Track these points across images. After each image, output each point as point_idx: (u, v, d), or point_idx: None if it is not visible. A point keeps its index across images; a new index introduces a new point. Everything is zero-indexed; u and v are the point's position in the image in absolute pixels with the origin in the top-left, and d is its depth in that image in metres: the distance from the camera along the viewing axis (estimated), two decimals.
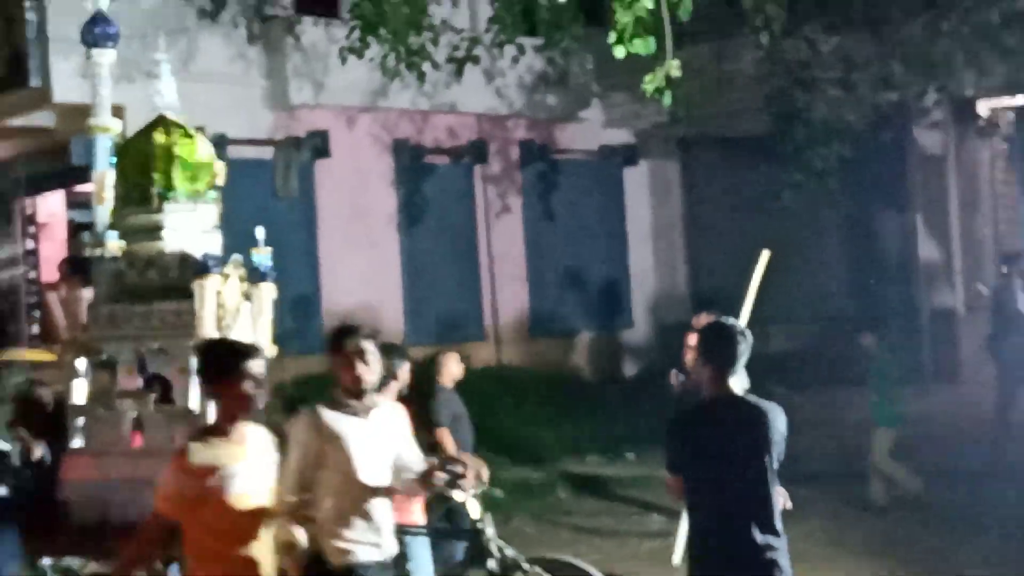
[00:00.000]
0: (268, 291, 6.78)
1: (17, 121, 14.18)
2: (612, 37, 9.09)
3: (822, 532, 9.97)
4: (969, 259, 16.80)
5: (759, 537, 5.01)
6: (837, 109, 14.32)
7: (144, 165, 6.57)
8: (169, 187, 6.54)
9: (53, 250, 15.63)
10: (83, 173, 8.97)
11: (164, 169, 6.55)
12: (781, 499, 5.23)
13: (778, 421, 5.17)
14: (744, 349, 5.28)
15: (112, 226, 6.68)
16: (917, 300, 16.65)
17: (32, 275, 15.71)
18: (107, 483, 6.38)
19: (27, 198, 15.71)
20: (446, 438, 8.50)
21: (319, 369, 14.74)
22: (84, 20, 7.20)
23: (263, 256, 6.73)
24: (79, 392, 6.57)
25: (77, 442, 6.54)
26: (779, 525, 5.10)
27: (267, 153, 15.09)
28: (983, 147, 17.12)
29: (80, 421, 6.53)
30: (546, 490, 12.57)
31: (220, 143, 11.88)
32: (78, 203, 15.81)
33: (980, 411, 12.92)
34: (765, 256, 6.81)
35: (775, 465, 5.13)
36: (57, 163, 13.24)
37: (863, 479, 11.04)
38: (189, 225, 6.63)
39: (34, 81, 13.83)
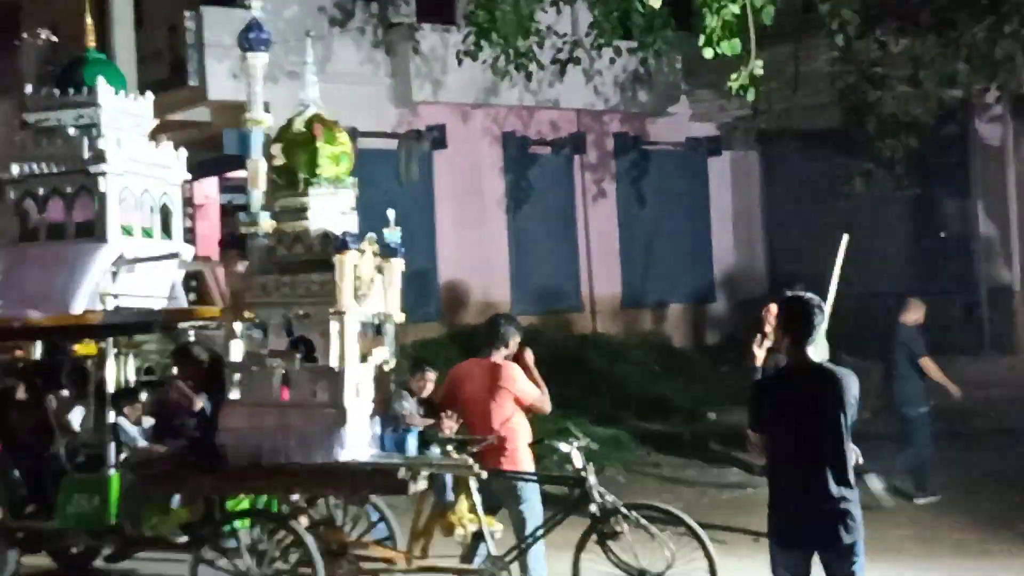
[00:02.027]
0: (398, 265, 6.85)
1: (177, 116, 14.48)
2: (701, 39, 8.96)
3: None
4: None
5: (834, 489, 4.90)
6: (905, 104, 13.97)
7: (293, 154, 6.66)
8: (313, 173, 6.62)
9: (208, 229, 15.95)
10: (234, 161, 9.18)
11: (309, 158, 6.63)
12: (854, 455, 5.13)
13: (852, 385, 5.07)
14: (820, 321, 5.17)
15: (264, 207, 6.79)
16: (977, 277, 16.24)
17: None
18: (259, 431, 6.51)
19: (185, 184, 16.01)
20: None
21: (436, 334, 14.93)
22: (235, 29, 7.33)
23: (394, 234, 6.80)
24: (236, 351, 6.69)
25: (234, 395, 6.67)
26: (852, 479, 5.01)
27: (392, 144, 15.19)
28: None
29: (236, 376, 6.65)
30: (636, 445, 12.51)
31: (351, 135, 11.94)
32: (230, 187, 16.13)
33: None
34: (845, 240, 6.66)
35: (849, 424, 5.03)
36: (211, 152, 13.50)
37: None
38: (330, 207, 6.71)
39: (192, 81, 14.12)
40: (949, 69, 13.72)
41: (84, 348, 8.22)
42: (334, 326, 6.39)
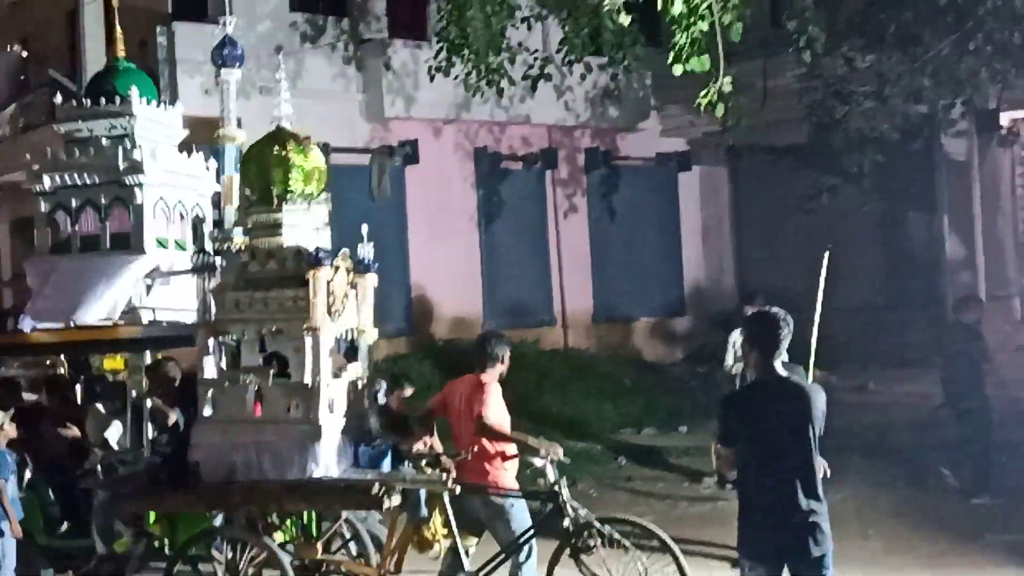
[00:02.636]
0: (371, 281, 6.86)
1: None
2: (670, 56, 9.02)
3: (853, 499, 9.83)
4: (990, 255, 16.50)
5: (804, 502, 4.96)
6: (871, 119, 14.09)
7: (266, 170, 6.67)
8: (287, 189, 6.63)
9: None
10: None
11: (282, 174, 6.64)
12: (822, 468, 5.18)
13: (819, 399, 5.12)
14: (787, 335, 5.22)
15: (238, 223, 6.79)
16: (943, 291, 16.39)
17: None
18: (232, 447, 6.49)
19: None
20: None
21: (408, 349, 14.91)
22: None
23: (367, 250, 6.81)
24: (209, 367, 6.67)
25: (207, 411, 6.64)
26: (821, 492, 5.05)
27: (364, 160, 15.18)
28: (1004, 154, 16.78)
29: (209, 393, 6.63)
30: (608, 458, 12.54)
31: (324, 151, 11.96)
32: None
33: (1003, 392, 12.68)
34: (827, 255, 6.69)
35: (817, 438, 5.08)
36: None
37: (890, 453, 10.88)
38: (304, 223, 6.72)
39: (163, 97, 14.03)
40: (915, 85, 13.87)
41: (111, 363, 8.15)
42: (308, 342, 6.40)
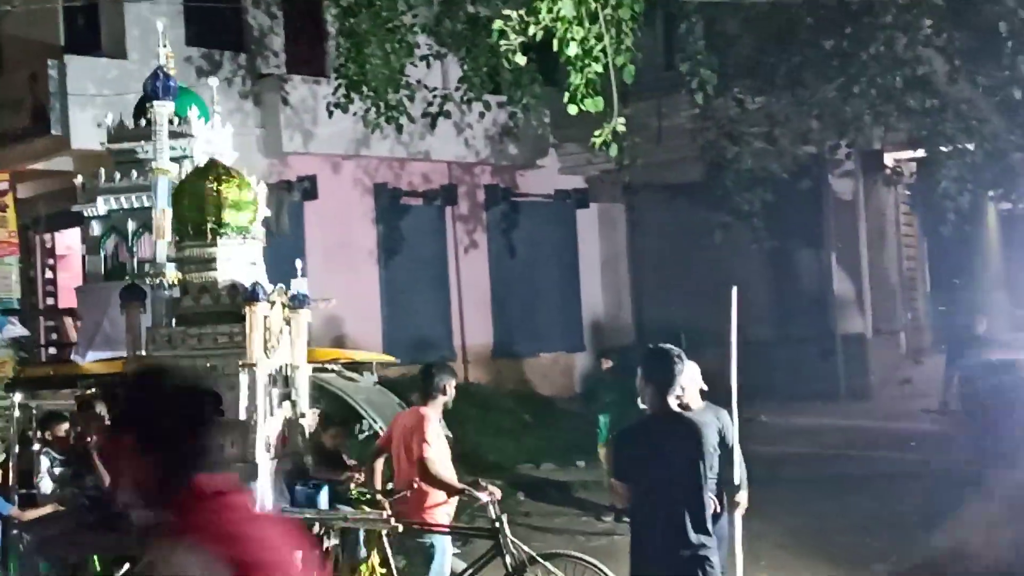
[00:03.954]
0: (306, 316, 6.76)
1: (39, 165, 14.09)
2: (566, 96, 9.15)
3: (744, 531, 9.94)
4: (877, 291, 16.98)
5: (693, 536, 5.03)
6: (761, 160, 14.46)
7: (199, 204, 6.53)
8: (220, 223, 6.50)
9: (70, 280, 15.46)
10: None
11: (216, 207, 6.51)
12: (712, 503, 5.26)
13: (711, 434, 5.22)
14: (680, 370, 5.31)
15: (170, 258, 6.64)
16: (831, 326, 16.80)
17: (51, 301, 15.55)
18: None
19: (47, 233, 15.57)
20: None
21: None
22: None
23: (302, 284, 6.72)
24: None
25: None
26: (710, 526, 5.13)
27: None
28: (889, 193, 17.35)
29: None
30: (506, 493, 12.50)
31: None
32: None
33: (887, 425, 13.05)
34: (735, 292, 6.76)
35: (708, 472, 5.16)
36: (74, 203, 13.15)
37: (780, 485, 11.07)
38: (238, 257, 6.59)
39: (55, 130, 13.75)
40: (802, 126, 14.30)
41: None
42: (244, 379, 6.27)
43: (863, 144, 15.34)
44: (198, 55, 14.75)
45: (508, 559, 6.55)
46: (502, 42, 9.52)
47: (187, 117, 7.64)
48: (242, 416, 6.29)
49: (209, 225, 6.50)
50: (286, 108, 15.09)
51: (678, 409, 5.32)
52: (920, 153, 15.04)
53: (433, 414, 6.80)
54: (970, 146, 13.35)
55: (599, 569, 6.56)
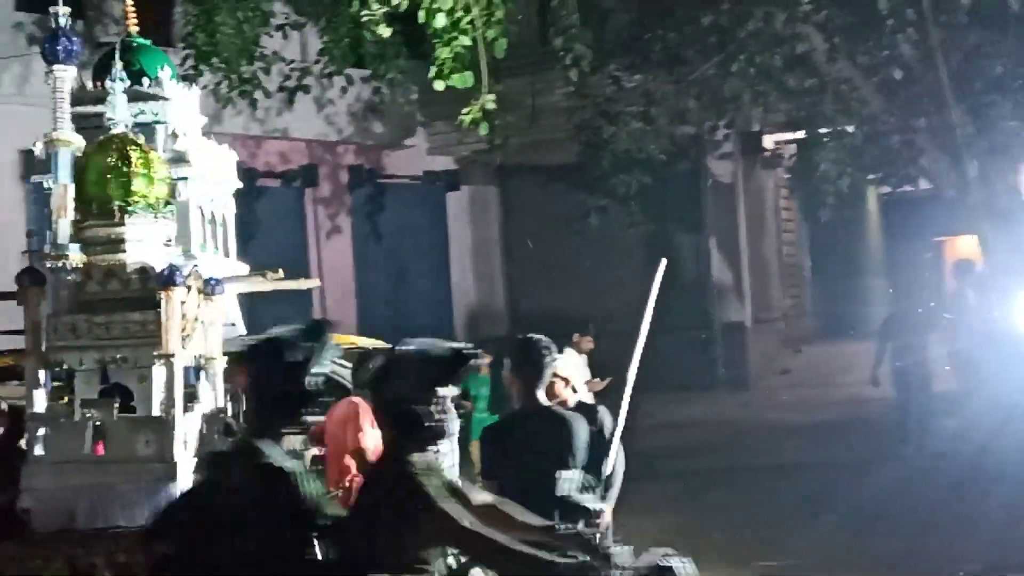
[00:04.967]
0: (220, 304, 6.45)
1: None
2: (432, 71, 9.06)
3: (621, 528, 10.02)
4: (756, 278, 17.31)
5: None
6: (638, 140, 14.54)
7: (104, 179, 6.16)
8: (128, 201, 6.13)
9: None
10: None
11: (123, 183, 6.15)
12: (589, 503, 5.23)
13: (581, 429, 5.19)
14: (549, 362, 5.28)
15: (73, 238, 6.25)
16: (710, 314, 17.06)
17: None
18: (70, 492, 5.99)
19: None
20: None
21: None
22: None
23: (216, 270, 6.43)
24: (39, 401, 6.13)
25: (38, 451, 6.10)
26: (581, 525, 5.10)
27: None
28: (768, 176, 17.70)
29: (40, 431, 6.09)
30: None
31: None
32: None
33: (766, 416, 13.31)
34: (663, 265, 6.54)
35: (579, 468, 5.14)
36: None
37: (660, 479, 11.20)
38: (150, 237, 6.23)
39: None
40: (680, 106, 14.43)
41: None
42: (159, 371, 5.96)
43: (742, 125, 15.59)
44: (29, 21, 14.12)
45: (451, 559, 6.40)
46: (364, 12, 9.39)
47: (158, 77, 7.12)
48: (156, 412, 6.01)
49: (115, 203, 6.16)
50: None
51: (548, 403, 5.28)
52: (799, 135, 15.34)
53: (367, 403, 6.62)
54: (849, 128, 13.65)
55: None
